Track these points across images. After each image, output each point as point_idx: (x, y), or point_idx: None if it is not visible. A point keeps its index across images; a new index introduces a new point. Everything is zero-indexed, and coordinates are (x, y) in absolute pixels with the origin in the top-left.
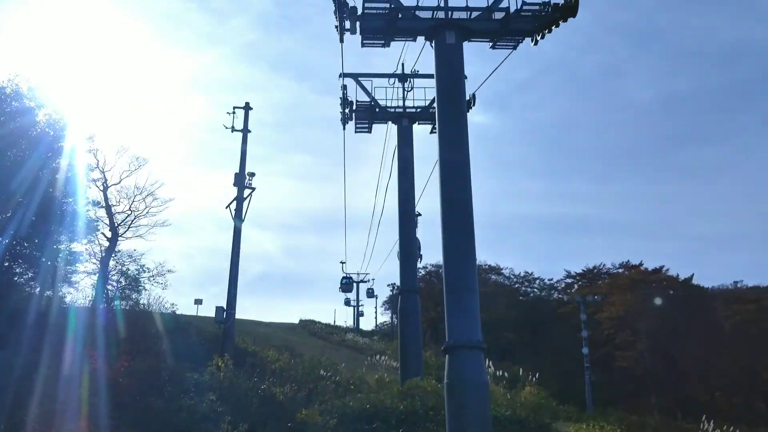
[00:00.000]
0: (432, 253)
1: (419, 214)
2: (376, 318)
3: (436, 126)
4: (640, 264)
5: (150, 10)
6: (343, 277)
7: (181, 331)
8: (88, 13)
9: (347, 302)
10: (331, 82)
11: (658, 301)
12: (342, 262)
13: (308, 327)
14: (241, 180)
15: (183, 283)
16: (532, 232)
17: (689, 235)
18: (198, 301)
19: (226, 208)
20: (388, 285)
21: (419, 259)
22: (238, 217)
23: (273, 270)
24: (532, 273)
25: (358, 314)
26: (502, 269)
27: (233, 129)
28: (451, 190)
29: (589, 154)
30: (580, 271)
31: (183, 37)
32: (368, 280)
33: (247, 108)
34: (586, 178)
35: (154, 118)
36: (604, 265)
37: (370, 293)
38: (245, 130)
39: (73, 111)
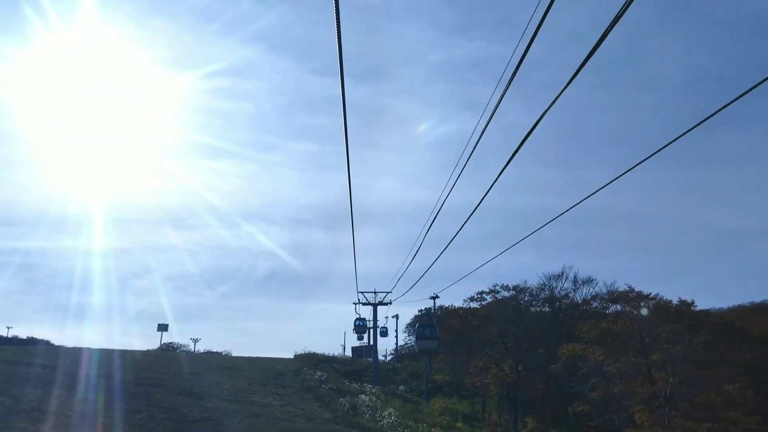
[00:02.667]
0: None
1: None
2: (396, 342)
3: None
4: None
5: None
6: (357, 319)
7: None
8: None
9: (360, 337)
10: (333, 59)
11: None
12: (355, 302)
13: (307, 362)
14: None
15: None
16: (548, 225)
17: (715, 229)
18: (162, 327)
19: None
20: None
21: None
22: None
23: (281, 269)
24: None
25: (376, 365)
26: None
27: None
28: None
29: (607, 139)
30: None
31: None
32: (388, 302)
33: None
34: (604, 166)
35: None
36: None
37: (384, 332)
38: None
39: None
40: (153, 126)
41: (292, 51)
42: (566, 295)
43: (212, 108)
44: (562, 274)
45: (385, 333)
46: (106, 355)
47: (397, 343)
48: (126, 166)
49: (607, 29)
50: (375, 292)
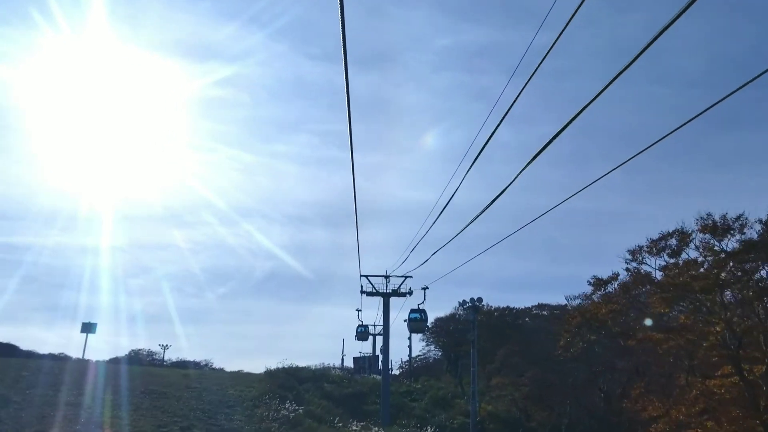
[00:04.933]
0: None
1: None
2: (410, 353)
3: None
4: None
5: None
6: (359, 326)
7: None
8: None
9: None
10: (333, 43)
11: None
12: (358, 310)
13: (282, 381)
14: None
15: None
16: (557, 228)
17: None
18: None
19: None
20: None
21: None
22: None
23: (281, 270)
24: None
25: (387, 394)
26: None
27: None
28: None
29: (619, 136)
30: None
31: None
32: (406, 291)
33: None
34: (615, 165)
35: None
36: None
37: (419, 320)
38: None
39: None
40: (146, 118)
41: (289, 35)
42: None
43: (206, 97)
44: None
45: (421, 320)
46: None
47: (410, 355)
48: (120, 161)
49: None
50: (386, 276)
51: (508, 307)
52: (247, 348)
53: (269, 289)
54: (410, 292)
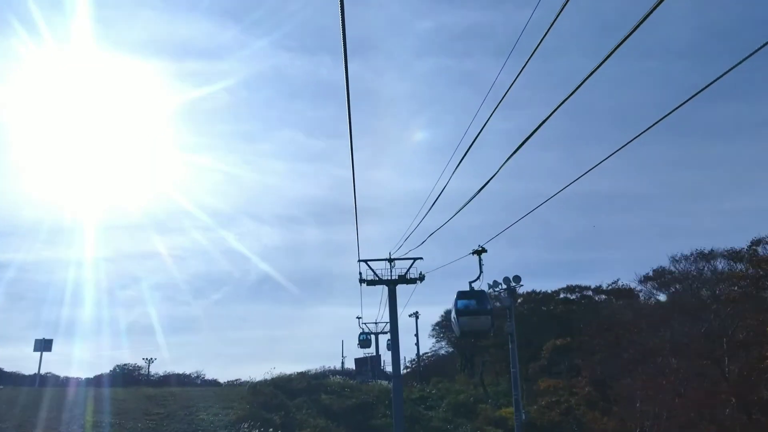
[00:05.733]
0: None
1: None
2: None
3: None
4: None
5: None
6: (361, 333)
7: None
8: None
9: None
10: (310, 31)
11: None
12: (358, 317)
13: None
14: None
15: None
16: (553, 212)
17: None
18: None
19: None
20: None
21: None
22: None
23: (276, 272)
24: None
25: (400, 411)
26: None
27: None
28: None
29: (609, 113)
30: None
31: None
32: (418, 277)
33: None
34: (607, 145)
35: None
36: None
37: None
38: None
39: None
40: (121, 121)
41: (265, 26)
42: None
43: (184, 95)
44: None
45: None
46: None
47: (418, 352)
48: (101, 167)
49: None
50: (390, 259)
51: (534, 291)
52: (244, 354)
53: (264, 293)
54: (422, 278)
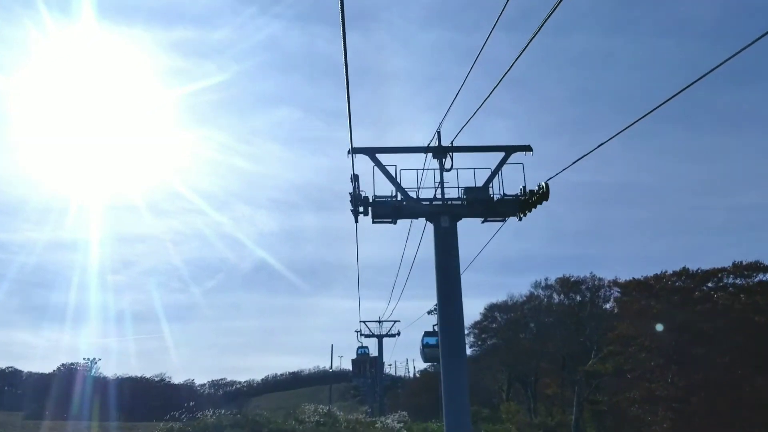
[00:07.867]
0: None
1: None
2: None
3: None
4: None
5: None
6: (359, 347)
7: None
8: None
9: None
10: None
11: None
12: (358, 329)
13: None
14: None
15: None
16: (561, 203)
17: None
18: None
19: None
20: None
21: None
22: None
23: (272, 260)
24: None
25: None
26: None
27: None
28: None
29: (623, 96)
30: None
31: None
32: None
33: None
34: (621, 133)
35: None
36: None
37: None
38: None
39: None
40: (115, 94)
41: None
42: None
43: (175, 67)
44: None
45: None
46: None
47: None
48: (93, 145)
49: None
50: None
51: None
52: (237, 344)
53: (259, 281)
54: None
